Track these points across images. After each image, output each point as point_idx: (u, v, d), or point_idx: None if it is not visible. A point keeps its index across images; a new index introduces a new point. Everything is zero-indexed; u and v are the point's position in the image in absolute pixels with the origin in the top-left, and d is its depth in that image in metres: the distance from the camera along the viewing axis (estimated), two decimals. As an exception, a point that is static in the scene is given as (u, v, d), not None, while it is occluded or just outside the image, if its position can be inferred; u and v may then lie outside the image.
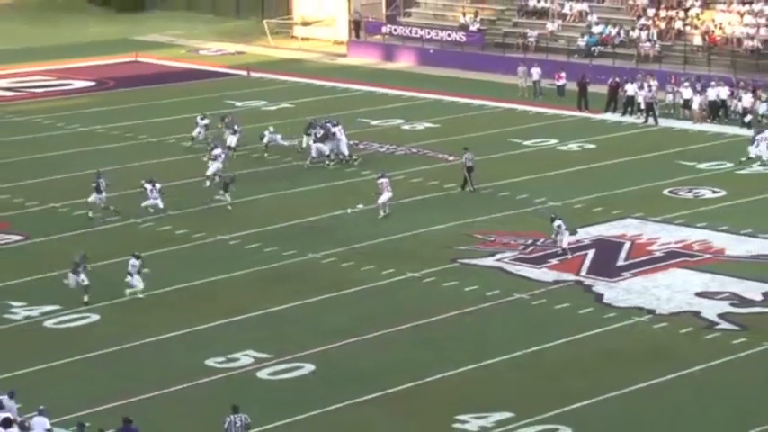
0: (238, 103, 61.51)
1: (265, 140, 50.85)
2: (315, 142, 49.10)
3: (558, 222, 38.50)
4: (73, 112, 59.70)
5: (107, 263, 38.90)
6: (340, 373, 30.97)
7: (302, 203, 44.89)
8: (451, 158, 48.09)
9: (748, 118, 55.07)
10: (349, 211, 43.87)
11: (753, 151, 49.50)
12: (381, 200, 42.66)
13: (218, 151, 46.92)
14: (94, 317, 34.86)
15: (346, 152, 49.25)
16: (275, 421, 28.46)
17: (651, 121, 56.24)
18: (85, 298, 35.07)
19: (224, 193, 38.41)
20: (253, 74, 68.70)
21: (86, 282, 35.06)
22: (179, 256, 39.97)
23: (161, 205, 43.06)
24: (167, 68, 71.00)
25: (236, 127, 50.62)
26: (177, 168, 48.89)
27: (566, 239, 38.58)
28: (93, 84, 67.07)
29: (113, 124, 55.77)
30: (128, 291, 35.74)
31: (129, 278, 35.66)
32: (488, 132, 55.12)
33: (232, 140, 49.92)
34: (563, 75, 61.92)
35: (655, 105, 56.48)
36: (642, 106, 57.15)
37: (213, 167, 46.60)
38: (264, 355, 31.96)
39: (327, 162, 48.91)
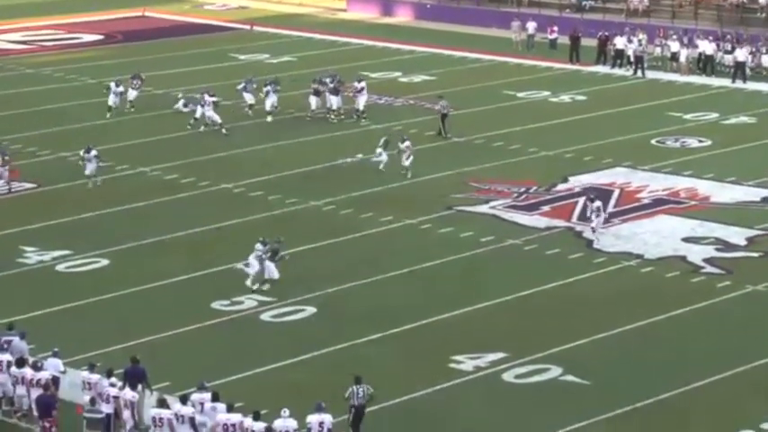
0: (241, 57, 61.26)
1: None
2: (330, 94, 48.46)
3: (597, 204, 35.76)
4: (82, 64, 59.45)
5: (116, 209, 38.93)
6: (340, 316, 30.99)
7: (303, 153, 44.75)
8: (441, 104, 47.84)
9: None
10: (349, 160, 43.76)
11: None
12: (407, 163, 41.40)
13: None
14: (104, 261, 34.81)
15: (360, 107, 48.72)
16: (278, 362, 28.51)
17: (639, 73, 55.96)
18: (266, 286, 32.01)
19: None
20: (255, 28, 68.39)
21: (276, 275, 31.99)
22: (185, 203, 39.90)
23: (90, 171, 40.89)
24: (173, 23, 70.68)
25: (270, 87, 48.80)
26: (181, 120, 48.67)
27: (600, 222, 35.68)
28: (101, 38, 66.78)
29: (121, 77, 55.37)
30: (249, 282, 32.24)
31: (247, 265, 32.33)
32: (483, 85, 54.93)
33: (273, 99, 48.39)
34: (555, 29, 61.71)
35: (644, 58, 56.19)
36: (632, 59, 56.95)
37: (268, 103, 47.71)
38: (268, 299, 31.96)
39: (332, 116, 48.50)
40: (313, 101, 48.84)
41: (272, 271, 31.91)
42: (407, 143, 41.66)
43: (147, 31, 68.05)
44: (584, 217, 36.94)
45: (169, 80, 55.29)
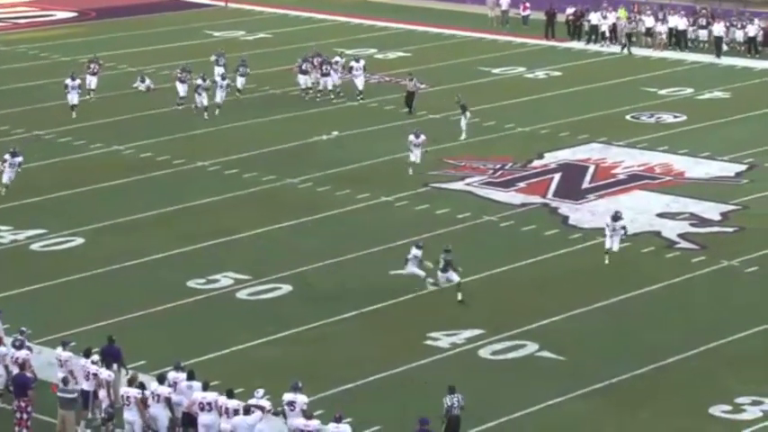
0: (216, 33, 60.99)
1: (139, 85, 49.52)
2: (322, 77, 48.14)
3: (622, 223, 32.46)
4: (56, 42, 59.09)
5: (91, 188, 38.75)
6: (316, 294, 30.93)
7: (279, 131, 44.60)
8: (423, 86, 47.78)
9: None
10: (324, 137, 43.64)
11: None
12: (413, 158, 39.30)
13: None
14: (79, 240, 34.65)
15: (360, 87, 48.13)
16: (255, 339, 28.44)
17: (626, 50, 55.71)
18: (459, 296, 30.08)
19: None
20: (230, 5, 68.05)
21: (457, 278, 30.07)
22: (160, 181, 39.73)
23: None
24: (147, 0, 70.20)
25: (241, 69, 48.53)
26: (155, 97, 48.44)
27: (615, 242, 32.35)
28: (75, 14, 66.34)
29: (95, 54, 55.05)
30: (428, 281, 30.68)
31: (411, 269, 30.66)
32: (459, 61, 54.84)
33: (241, 82, 48.13)
34: (528, 5, 61.67)
35: (631, 36, 56.03)
36: (606, 34, 57.00)
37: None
38: (244, 277, 31.87)
39: (332, 96, 48.09)
40: (301, 79, 48.57)
41: (453, 276, 30.04)
42: (422, 138, 39.37)
43: (120, 7, 67.62)
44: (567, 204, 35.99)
45: (143, 57, 54.99)
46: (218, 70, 49.04)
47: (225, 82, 46.16)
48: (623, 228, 32.22)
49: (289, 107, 47.39)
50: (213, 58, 50.05)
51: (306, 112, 47.02)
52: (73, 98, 45.59)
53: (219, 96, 46.03)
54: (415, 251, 30.63)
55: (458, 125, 43.44)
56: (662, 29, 56.33)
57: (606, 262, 32.02)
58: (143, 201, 37.49)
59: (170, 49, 56.93)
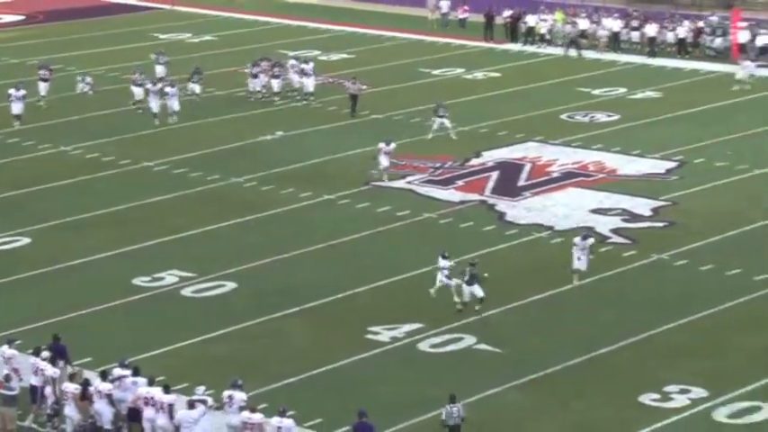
0: (162, 36, 60.72)
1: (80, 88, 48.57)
2: (272, 78, 47.81)
3: (591, 241, 31.26)
4: (4, 45, 58.54)
5: (38, 188, 38.50)
6: (260, 290, 30.89)
7: (225, 131, 44.48)
8: (365, 87, 47.81)
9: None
10: (269, 137, 43.60)
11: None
12: (383, 165, 38.59)
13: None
14: (26, 240, 34.41)
15: (310, 89, 47.89)
16: (199, 336, 28.38)
17: (572, 52, 55.81)
18: (476, 307, 29.20)
19: None
20: (176, 7, 67.76)
21: (481, 293, 29.21)
22: (106, 181, 39.52)
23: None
24: (95, 2, 69.75)
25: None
26: (103, 99, 48.17)
27: (583, 262, 30.95)
28: (23, 17, 65.78)
29: (43, 57, 54.69)
30: (456, 298, 29.58)
31: (444, 280, 29.74)
32: (400, 62, 54.92)
33: (195, 88, 47.41)
34: (466, 8, 61.89)
35: (578, 39, 56.19)
36: (547, 36, 57.31)
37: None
38: (188, 274, 31.78)
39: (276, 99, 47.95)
40: (251, 84, 48.35)
41: (477, 290, 29.12)
42: (393, 146, 38.83)
43: (68, 10, 67.12)
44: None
45: (91, 60, 54.64)
46: (159, 69, 49.07)
47: (174, 89, 44.99)
48: (592, 246, 30.89)
49: (234, 108, 47.27)
50: (153, 56, 50.07)
51: (250, 112, 46.94)
52: (16, 108, 44.19)
53: (174, 105, 44.71)
54: (442, 262, 29.74)
55: (396, 125, 43.58)
56: (603, 32, 56.62)
57: (576, 282, 30.56)
58: (89, 201, 37.30)
59: (117, 52, 56.60)
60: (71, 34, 61.04)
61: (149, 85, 45.49)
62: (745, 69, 48.91)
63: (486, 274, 29.20)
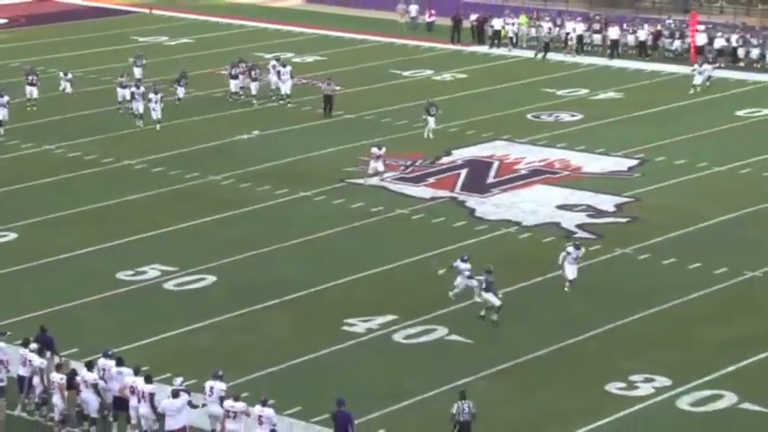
0: (141, 39, 60.52)
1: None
2: (252, 81, 47.47)
3: (583, 251, 30.43)
4: (-13, 47, 58.30)
5: (23, 185, 38.34)
6: (239, 284, 30.85)
7: (203, 130, 44.39)
8: (338, 88, 47.79)
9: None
10: (245, 136, 43.54)
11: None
12: (376, 168, 38.18)
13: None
14: (12, 235, 34.26)
15: (287, 91, 47.52)
16: (181, 328, 28.33)
17: (539, 56, 55.77)
18: (494, 317, 28.39)
19: None
20: (154, 11, 67.54)
21: (498, 302, 28.35)
22: (89, 179, 39.39)
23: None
24: (75, 7, 69.56)
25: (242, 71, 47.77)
26: (84, 100, 47.96)
27: (574, 271, 30.11)
28: (5, 21, 65.40)
29: (26, 59, 54.47)
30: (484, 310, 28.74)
31: (466, 282, 29.05)
32: (371, 64, 54.94)
33: (180, 92, 47.00)
34: (433, 12, 62.01)
35: (549, 43, 56.17)
36: (515, 40, 57.42)
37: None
38: (170, 269, 31.71)
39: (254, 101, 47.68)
40: (232, 84, 48.19)
41: (494, 299, 28.32)
42: (384, 150, 38.38)
43: (50, 14, 66.83)
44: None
45: (73, 62, 54.35)
46: (137, 71, 48.96)
47: (159, 96, 44.06)
48: (580, 258, 29.99)
49: (211, 108, 47.17)
50: (132, 60, 49.99)
51: (228, 112, 46.85)
52: (1, 113, 43.31)
53: (158, 112, 43.86)
54: (462, 264, 29.20)
55: (369, 124, 43.66)
56: (573, 35, 56.74)
57: (566, 289, 29.82)
58: (73, 198, 37.17)
59: (98, 54, 56.42)
60: (53, 37, 60.75)
61: (133, 89, 45.20)
62: (702, 75, 49.07)
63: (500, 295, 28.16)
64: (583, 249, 30.28)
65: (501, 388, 25.59)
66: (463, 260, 29.39)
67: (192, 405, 22.81)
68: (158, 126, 43.48)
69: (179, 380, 23.35)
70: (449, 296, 29.13)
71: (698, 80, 48.66)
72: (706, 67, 49.87)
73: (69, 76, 48.95)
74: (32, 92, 46.74)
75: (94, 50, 57.27)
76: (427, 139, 42.59)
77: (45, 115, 46.13)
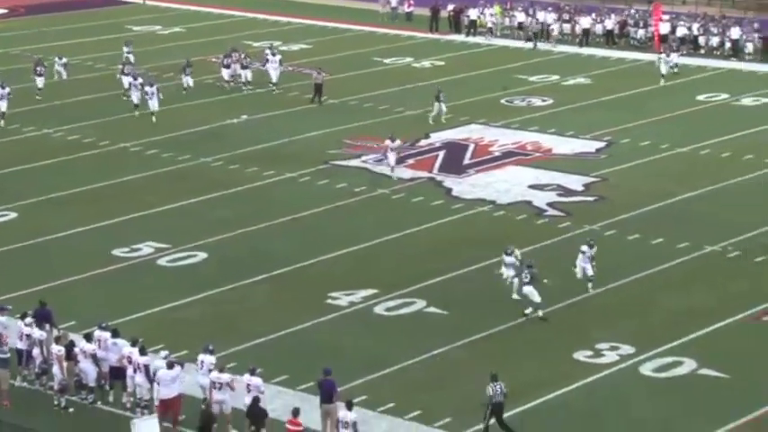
0: (136, 28, 60.25)
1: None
2: (242, 69, 47.24)
3: (596, 250, 28.90)
4: (-11, 36, 57.97)
5: (23, 167, 38.23)
6: (229, 260, 30.84)
7: (194, 115, 44.25)
8: (324, 74, 47.64)
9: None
10: (235, 121, 43.44)
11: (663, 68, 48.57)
12: (392, 163, 36.92)
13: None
14: (13, 215, 34.18)
15: (275, 79, 47.30)
16: (173, 301, 28.33)
17: (530, 45, 55.41)
18: (528, 311, 27.34)
19: None
20: (147, 2, 67.25)
21: (538, 299, 27.25)
22: (87, 161, 39.28)
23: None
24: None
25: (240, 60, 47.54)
26: (82, 86, 47.78)
27: (590, 269, 28.73)
28: (5, 11, 65.02)
29: (26, 47, 54.26)
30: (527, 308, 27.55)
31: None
32: (354, 52, 54.80)
33: (188, 81, 46.21)
34: (412, 2, 61.89)
35: (537, 33, 55.92)
36: (494, 30, 57.22)
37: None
38: (163, 246, 31.68)
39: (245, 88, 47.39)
40: (225, 73, 47.90)
41: (534, 295, 27.24)
42: (398, 142, 37.39)
43: (48, 4, 66.40)
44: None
45: (70, 50, 53.99)
46: (127, 57, 48.78)
47: (153, 88, 43.07)
48: (592, 257, 28.60)
49: (202, 94, 47.00)
50: (125, 48, 49.82)
51: (218, 98, 46.71)
52: (2, 105, 42.53)
53: (154, 104, 42.95)
54: (506, 258, 28.40)
55: (352, 109, 43.68)
56: (555, 25, 56.59)
57: (590, 290, 28.40)
58: (71, 179, 37.08)
59: (94, 42, 56.17)
60: (51, 26, 60.43)
61: (131, 79, 44.79)
62: (667, 64, 48.93)
63: (545, 280, 27.45)
64: (596, 248, 28.78)
65: (477, 356, 25.66)
66: (507, 253, 28.57)
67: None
68: (154, 118, 42.77)
69: (163, 353, 23.41)
70: (514, 298, 27.76)
71: (663, 69, 48.57)
72: (673, 56, 49.72)
73: (64, 60, 48.69)
74: (39, 81, 46.20)
75: (91, 39, 57.01)
76: (436, 123, 42.27)
77: (44, 101, 45.93)
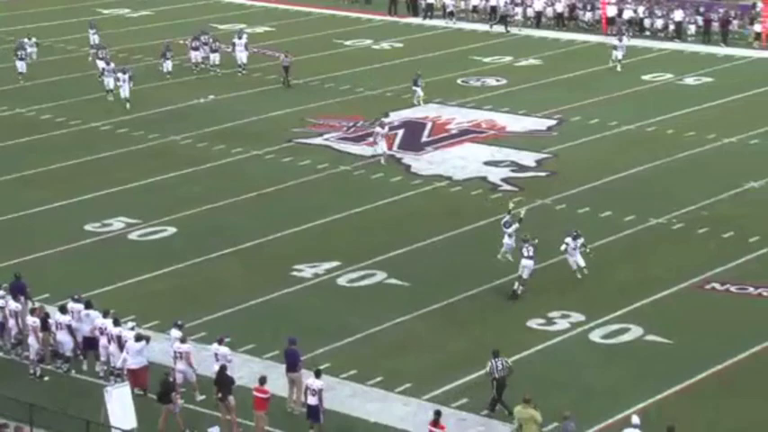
0: (105, 11, 59.59)
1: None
2: (211, 52, 46.83)
3: (582, 240, 27.94)
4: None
5: (-3, 147, 37.90)
6: (198, 234, 30.67)
7: (163, 95, 43.88)
8: (291, 58, 47.29)
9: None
10: (202, 100, 43.11)
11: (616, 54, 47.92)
12: (381, 149, 36.02)
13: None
14: (-12, 192, 33.86)
15: (244, 61, 46.92)
16: (144, 274, 28.15)
17: (503, 28, 55.13)
18: (517, 287, 26.80)
19: None
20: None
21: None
22: (59, 139, 38.87)
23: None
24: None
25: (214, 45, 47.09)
26: (60, 65, 47.24)
27: (580, 260, 27.88)
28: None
29: (5, 28, 53.59)
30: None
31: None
32: (316, 34, 54.50)
33: (168, 66, 45.78)
34: (371, -16, 61.64)
35: (508, 17, 55.62)
36: (450, 9, 56.91)
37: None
38: (134, 221, 31.45)
39: (217, 71, 47.02)
40: (193, 55, 47.43)
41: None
42: (386, 129, 36.80)
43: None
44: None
45: (41, 32, 53.30)
46: (93, 39, 48.14)
47: (127, 75, 42.28)
48: (583, 245, 27.89)
49: (171, 75, 46.57)
50: (90, 30, 49.31)
51: (186, 79, 46.32)
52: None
53: (126, 91, 42.05)
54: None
55: (314, 89, 43.54)
56: (518, 10, 56.24)
57: (579, 276, 27.66)
58: (44, 157, 36.68)
59: (65, 25, 55.50)
60: (20, 10, 59.59)
61: (104, 65, 44.15)
62: (619, 50, 48.42)
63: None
64: (582, 239, 27.79)
65: (436, 325, 25.71)
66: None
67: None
68: (128, 105, 41.85)
69: (129, 324, 23.30)
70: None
71: (618, 55, 48.00)
72: (625, 40, 49.16)
73: (33, 40, 48.06)
74: (22, 66, 45.33)
75: (61, 22, 56.31)
76: (416, 105, 42.09)
77: (17, 81, 45.37)
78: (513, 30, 54.44)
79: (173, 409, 21.25)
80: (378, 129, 36.74)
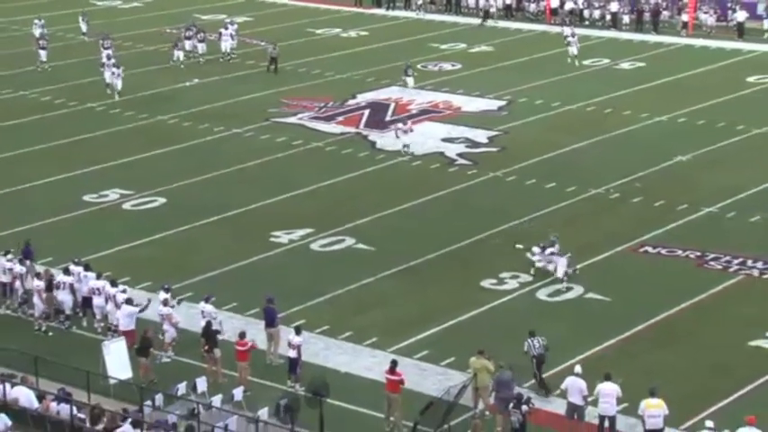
0: (99, 3, 58.81)
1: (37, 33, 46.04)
2: (199, 43, 45.93)
3: (547, 251, 25.73)
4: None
5: (2, 125, 37.29)
6: (185, 205, 30.48)
7: (151, 79, 43.45)
8: (263, 44, 47.02)
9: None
10: (187, 84, 42.73)
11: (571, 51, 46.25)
12: (402, 143, 34.55)
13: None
14: (-7, 167, 33.46)
15: (227, 49, 46.13)
16: (136, 240, 27.96)
17: (482, 21, 54.52)
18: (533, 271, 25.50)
19: None
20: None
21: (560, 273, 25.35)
22: (58, 119, 38.44)
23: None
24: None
25: (200, 35, 46.21)
26: (54, 53, 46.57)
27: (560, 267, 25.55)
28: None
29: (5, 18, 52.76)
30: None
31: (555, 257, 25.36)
32: (290, 24, 54.11)
33: (180, 55, 44.73)
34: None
35: (489, 10, 55.13)
36: (420, 4, 56.46)
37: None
38: (128, 192, 31.21)
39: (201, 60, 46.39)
40: (187, 44, 46.76)
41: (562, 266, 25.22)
42: (409, 124, 35.25)
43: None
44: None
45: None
46: (84, 27, 47.52)
47: (119, 70, 41.05)
48: (553, 253, 25.61)
49: (158, 60, 46.14)
50: (80, 18, 48.79)
51: (172, 65, 45.82)
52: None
53: (118, 84, 40.65)
54: (538, 250, 25.47)
55: (289, 73, 43.29)
56: (482, 2, 55.77)
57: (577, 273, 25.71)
58: (44, 135, 36.31)
59: (62, 15, 54.71)
60: (13, 2, 58.71)
61: (105, 59, 43.18)
62: (573, 46, 47.59)
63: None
64: (554, 247, 25.54)
65: (400, 285, 25.73)
66: (542, 247, 25.38)
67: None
68: (117, 96, 40.77)
69: (122, 287, 23.17)
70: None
71: (574, 51, 47.21)
72: (575, 34, 48.19)
73: (42, 21, 47.17)
74: (44, 55, 44.40)
75: (58, 12, 55.49)
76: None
77: (20, 66, 44.79)
78: (491, 23, 54.10)
79: (147, 364, 21.11)
80: (399, 125, 35.79)
